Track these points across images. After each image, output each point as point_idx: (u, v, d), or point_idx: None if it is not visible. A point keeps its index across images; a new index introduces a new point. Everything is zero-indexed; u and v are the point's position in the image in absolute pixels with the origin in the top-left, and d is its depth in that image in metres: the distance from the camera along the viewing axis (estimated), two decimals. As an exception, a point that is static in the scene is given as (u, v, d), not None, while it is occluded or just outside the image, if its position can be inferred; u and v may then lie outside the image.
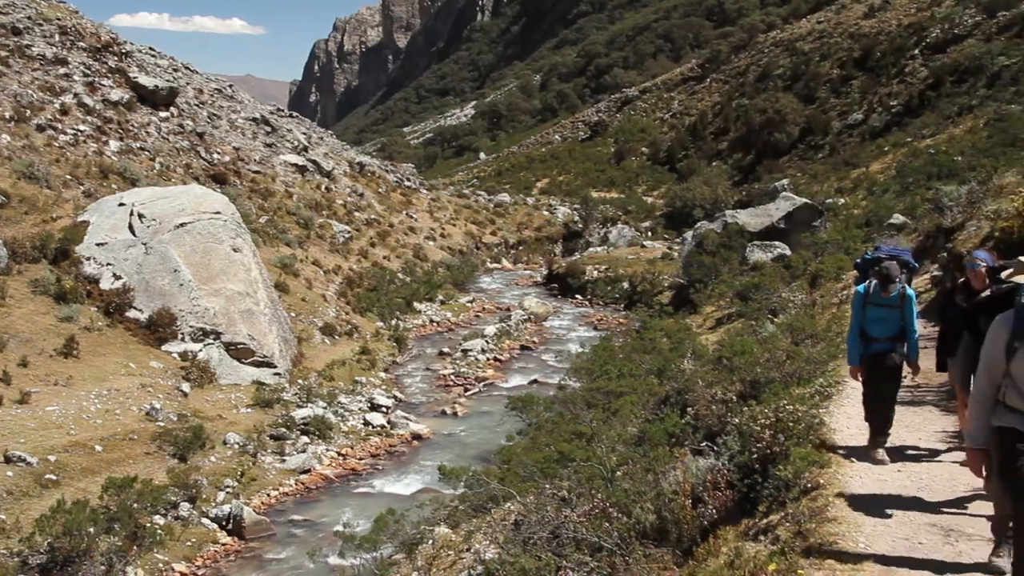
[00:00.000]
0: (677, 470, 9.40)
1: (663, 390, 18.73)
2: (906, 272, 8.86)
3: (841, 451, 8.68)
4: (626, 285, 47.23)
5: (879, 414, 8.84)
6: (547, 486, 13.34)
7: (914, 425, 9.01)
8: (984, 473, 5.60)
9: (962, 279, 8.34)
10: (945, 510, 7.07)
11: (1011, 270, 6.42)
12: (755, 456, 8.41)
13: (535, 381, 30.94)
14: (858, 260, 9.60)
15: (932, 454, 8.78)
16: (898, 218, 31.19)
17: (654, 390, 19.83)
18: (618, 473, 12.31)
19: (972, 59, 61.01)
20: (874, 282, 8.77)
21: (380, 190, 64.20)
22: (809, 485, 7.46)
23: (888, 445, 8.81)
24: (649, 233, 61.95)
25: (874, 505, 7.06)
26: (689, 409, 14.05)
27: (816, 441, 8.58)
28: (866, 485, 7.28)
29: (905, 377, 9.18)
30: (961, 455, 8.31)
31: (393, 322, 37.78)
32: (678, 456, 10.97)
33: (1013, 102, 47.86)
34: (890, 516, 6.85)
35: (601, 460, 12.50)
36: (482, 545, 12.78)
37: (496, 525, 12.98)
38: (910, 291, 8.79)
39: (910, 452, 8.84)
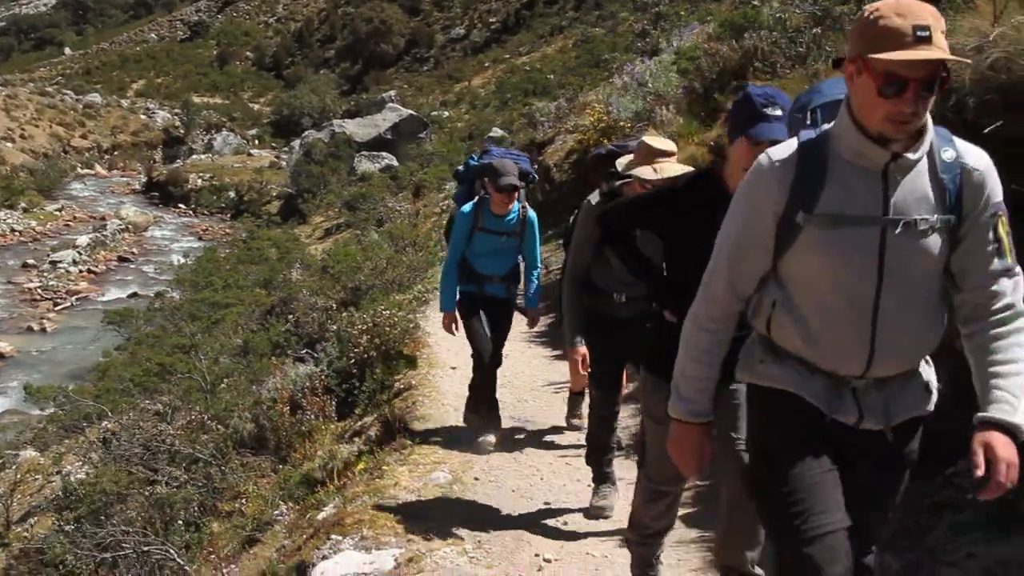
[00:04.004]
0: (276, 378, 9.47)
1: (270, 300, 18.70)
2: (524, 185, 6.30)
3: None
4: (233, 194, 46.14)
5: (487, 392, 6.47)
6: (146, 401, 12.97)
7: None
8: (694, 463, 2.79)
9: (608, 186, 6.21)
10: (529, 400, 7.67)
11: (630, 156, 4.68)
12: (353, 361, 8.66)
13: (135, 294, 29.79)
14: (460, 168, 7.01)
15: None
16: (497, 131, 32.75)
17: (261, 301, 19.77)
18: (222, 385, 12.20)
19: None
20: (486, 198, 6.21)
21: (-56, 84, 57.22)
22: (401, 386, 7.82)
23: None
24: (256, 141, 60.52)
25: (461, 402, 7.49)
26: (290, 317, 14.15)
27: (411, 344, 8.93)
28: (455, 384, 7.69)
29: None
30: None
31: (-34, 232, 34.32)
32: (277, 365, 11.04)
33: (597, 25, 51.59)
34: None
35: (202, 372, 12.30)
36: (74, 466, 12.20)
37: (90, 445, 12.43)
38: (531, 213, 6.35)
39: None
